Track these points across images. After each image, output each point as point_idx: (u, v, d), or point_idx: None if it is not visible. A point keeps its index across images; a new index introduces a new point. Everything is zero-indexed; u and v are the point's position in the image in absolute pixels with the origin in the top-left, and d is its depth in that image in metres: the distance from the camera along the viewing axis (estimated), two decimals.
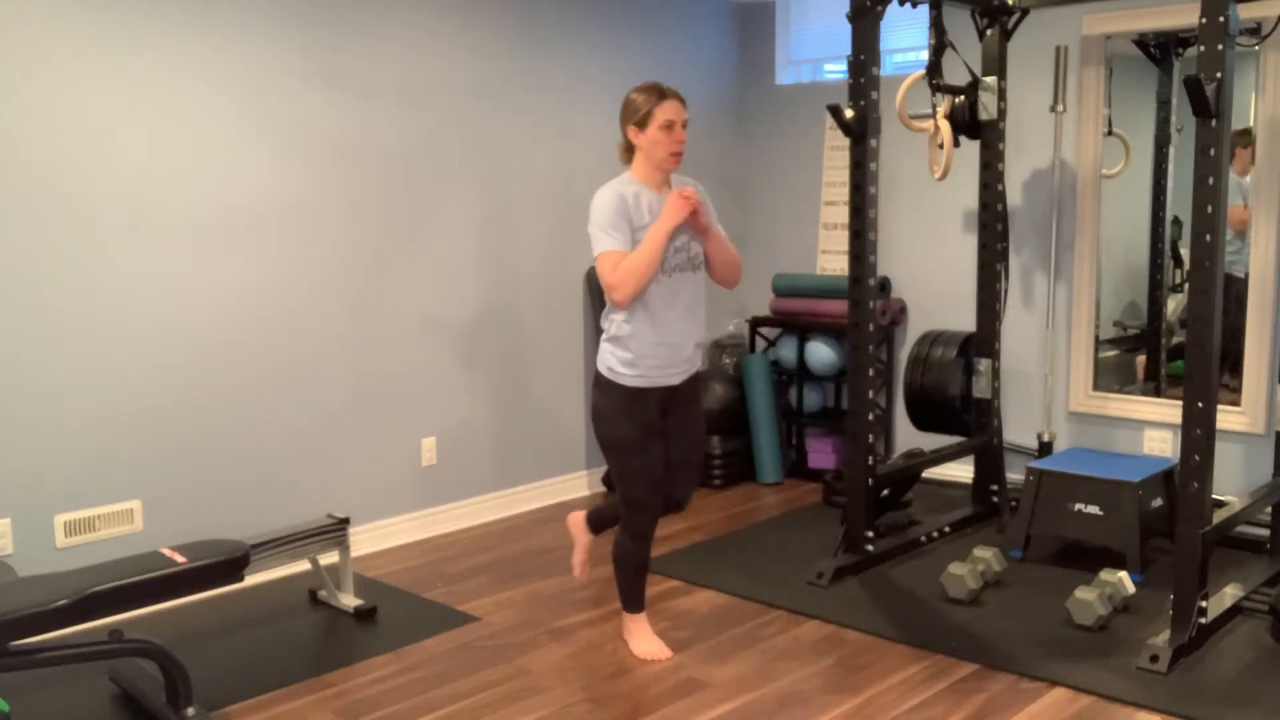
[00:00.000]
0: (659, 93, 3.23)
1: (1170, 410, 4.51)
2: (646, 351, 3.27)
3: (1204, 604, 3.43)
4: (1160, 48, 4.74)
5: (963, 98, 4.52)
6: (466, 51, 4.72)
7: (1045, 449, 4.90)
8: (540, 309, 5.10)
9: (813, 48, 5.83)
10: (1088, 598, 3.61)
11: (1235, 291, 4.39)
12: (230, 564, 3.07)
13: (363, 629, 3.75)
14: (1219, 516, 3.53)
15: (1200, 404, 3.36)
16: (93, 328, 3.72)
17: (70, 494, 3.72)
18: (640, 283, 3.16)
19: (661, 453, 3.36)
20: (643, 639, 3.51)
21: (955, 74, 4.52)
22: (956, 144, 4.44)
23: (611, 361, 3.31)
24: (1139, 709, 3.11)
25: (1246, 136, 4.40)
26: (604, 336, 3.35)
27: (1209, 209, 3.30)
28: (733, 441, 5.51)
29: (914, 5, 4.22)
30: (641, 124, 3.24)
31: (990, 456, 4.80)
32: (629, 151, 3.33)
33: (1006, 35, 4.61)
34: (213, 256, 4.00)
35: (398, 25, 4.47)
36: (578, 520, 3.82)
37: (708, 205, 3.35)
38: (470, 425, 4.89)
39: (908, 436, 5.26)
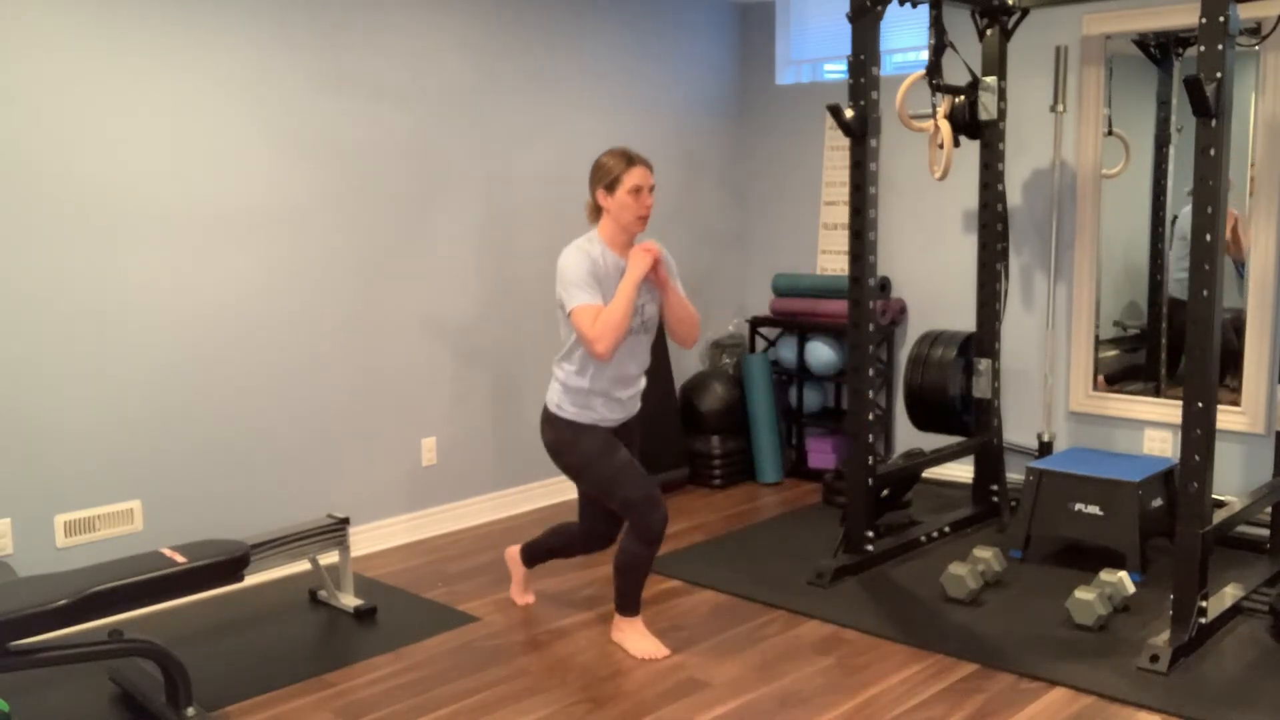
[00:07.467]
0: (627, 159, 3.35)
1: (1170, 410, 4.51)
2: (597, 404, 3.43)
3: (1204, 604, 3.43)
4: (1160, 48, 4.74)
5: (963, 98, 4.52)
6: (468, 51, 4.72)
7: (1045, 449, 4.90)
8: (540, 309, 5.09)
9: (813, 48, 5.83)
10: (1088, 598, 3.61)
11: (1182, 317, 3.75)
12: (230, 564, 3.07)
13: (363, 629, 3.75)
14: (1219, 516, 3.53)
15: (1200, 404, 3.36)
16: (93, 328, 3.72)
17: (70, 494, 3.72)
18: (619, 335, 3.25)
19: (629, 455, 3.46)
20: (640, 639, 3.52)
21: (955, 74, 4.52)
22: (956, 144, 4.44)
23: (561, 401, 3.44)
24: (1139, 709, 3.11)
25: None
26: (557, 380, 3.47)
27: (1209, 209, 3.30)
28: (733, 441, 5.51)
29: (914, 5, 4.22)
30: (610, 188, 3.35)
31: (990, 456, 4.80)
32: (596, 212, 3.43)
33: (1006, 35, 4.61)
34: (213, 256, 4.00)
35: (399, 26, 4.47)
36: (513, 555, 3.96)
37: (670, 262, 3.48)
38: (470, 425, 4.89)
39: (908, 436, 5.26)
